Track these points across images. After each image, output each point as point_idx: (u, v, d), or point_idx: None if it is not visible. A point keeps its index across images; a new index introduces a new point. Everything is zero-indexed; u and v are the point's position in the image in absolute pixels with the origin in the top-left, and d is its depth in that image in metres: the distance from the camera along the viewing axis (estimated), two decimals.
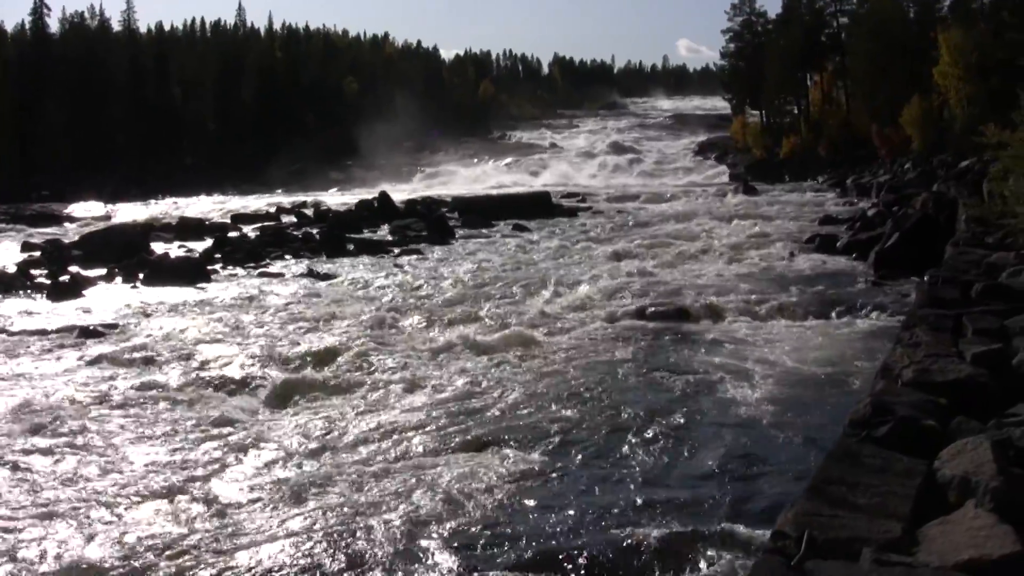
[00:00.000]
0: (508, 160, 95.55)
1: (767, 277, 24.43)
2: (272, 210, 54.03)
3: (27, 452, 12.26)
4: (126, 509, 10.35)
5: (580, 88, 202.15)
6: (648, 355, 16.90)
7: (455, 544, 9.21)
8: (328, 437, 12.75)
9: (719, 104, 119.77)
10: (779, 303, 20.76)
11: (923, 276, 16.86)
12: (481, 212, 45.87)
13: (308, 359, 17.24)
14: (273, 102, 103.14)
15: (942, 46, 51.41)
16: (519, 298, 23.17)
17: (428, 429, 12.79)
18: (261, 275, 29.58)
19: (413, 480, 10.83)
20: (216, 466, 11.65)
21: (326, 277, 28.46)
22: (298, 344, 18.48)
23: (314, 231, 39.98)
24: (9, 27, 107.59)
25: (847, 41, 72.83)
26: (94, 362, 17.59)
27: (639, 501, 10.04)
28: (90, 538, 9.63)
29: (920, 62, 55.67)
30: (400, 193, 59.81)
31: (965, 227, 22.18)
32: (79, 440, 12.78)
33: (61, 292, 25.97)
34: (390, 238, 38.84)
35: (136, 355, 17.98)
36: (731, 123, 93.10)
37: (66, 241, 37.76)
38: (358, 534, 9.46)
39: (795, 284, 23.10)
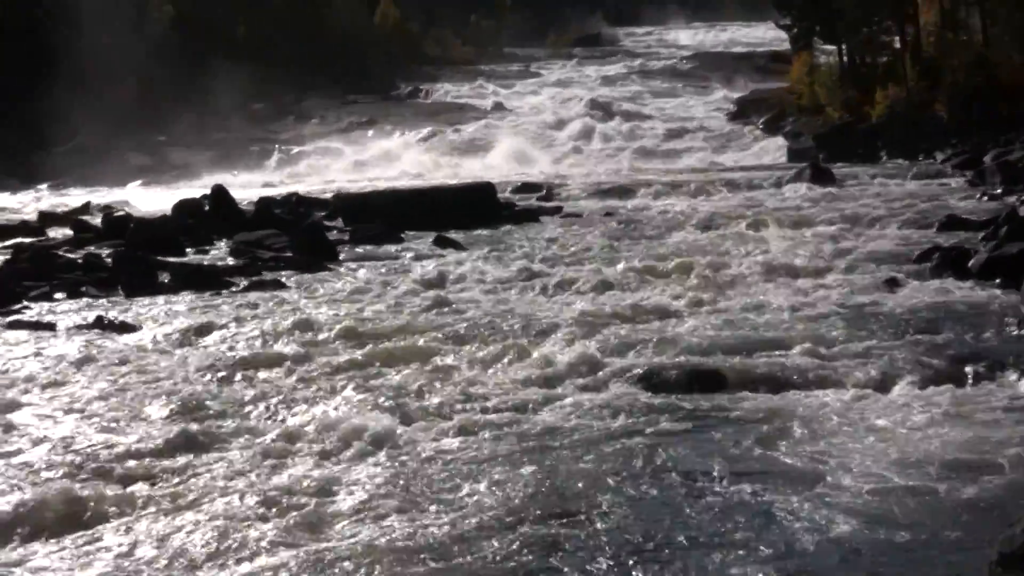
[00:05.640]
0: (424, 132, 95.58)
1: (854, 319, 24.54)
2: (32, 217, 53.61)
3: None
4: None
5: (542, 13, 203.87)
6: (658, 447, 16.84)
7: None
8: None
9: (769, 35, 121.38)
10: (876, 363, 20.87)
11: None
12: (382, 218, 45.70)
13: (98, 465, 17.06)
14: (25, 38, 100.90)
15: None
16: (447, 363, 23.07)
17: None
18: (12, 327, 29.15)
19: None
20: None
21: (126, 329, 28.21)
22: (85, 443, 18.29)
23: (104, 253, 39.80)
24: None
25: None
26: None
27: None
28: None
29: None
30: (247, 188, 59.87)
31: None
32: None
33: None
34: (232, 262, 38.70)
35: None
36: (789, 67, 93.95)
37: None
38: None
39: (902, 330, 23.39)
